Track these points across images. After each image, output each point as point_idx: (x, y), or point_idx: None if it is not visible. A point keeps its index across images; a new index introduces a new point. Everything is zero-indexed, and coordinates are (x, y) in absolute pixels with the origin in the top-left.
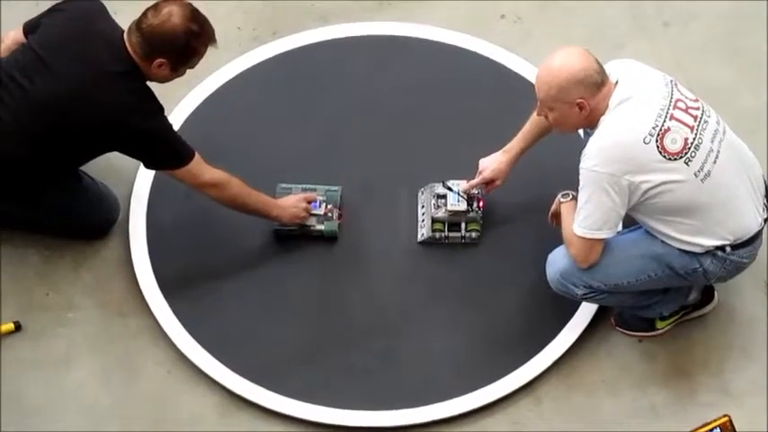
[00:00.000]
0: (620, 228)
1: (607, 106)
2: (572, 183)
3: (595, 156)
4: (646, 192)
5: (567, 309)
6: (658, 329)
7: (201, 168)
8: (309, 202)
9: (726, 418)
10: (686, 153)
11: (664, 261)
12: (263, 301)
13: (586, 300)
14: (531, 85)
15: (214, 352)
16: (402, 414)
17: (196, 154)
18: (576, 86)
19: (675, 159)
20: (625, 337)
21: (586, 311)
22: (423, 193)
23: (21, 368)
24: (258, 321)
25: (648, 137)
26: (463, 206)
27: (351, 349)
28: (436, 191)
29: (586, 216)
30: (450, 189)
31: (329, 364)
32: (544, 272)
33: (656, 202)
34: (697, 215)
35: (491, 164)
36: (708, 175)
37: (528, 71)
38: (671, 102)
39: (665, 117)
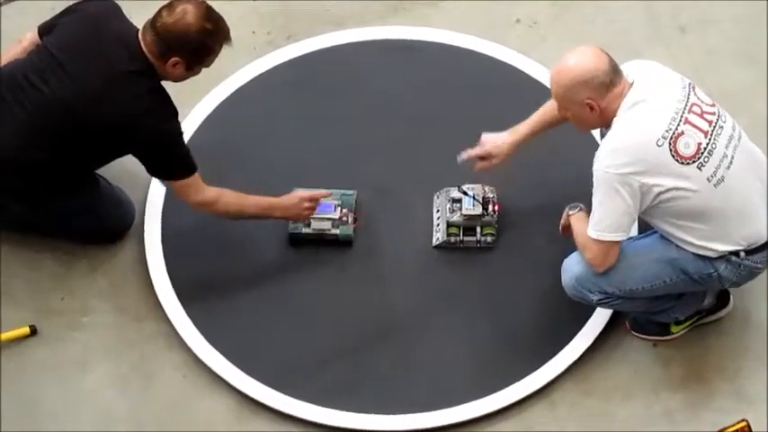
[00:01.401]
0: (635, 232)
1: (620, 107)
2: (587, 186)
3: (607, 157)
4: (658, 195)
5: (582, 313)
6: (673, 333)
7: (198, 187)
8: (314, 200)
9: (744, 423)
10: (699, 158)
11: (678, 266)
12: (278, 306)
13: (601, 305)
14: (547, 89)
15: (229, 356)
16: (417, 418)
17: (197, 171)
18: (582, 87)
19: (688, 164)
20: (640, 342)
21: (601, 316)
22: (438, 197)
23: (36, 372)
24: (273, 325)
25: (662, 140)
26: (478, 210)
27: (365, 353)
28: (451, 195)
29: (601, 219)
30: (465, 193)
31: (344, 367)
32: (559, 277)
33: (669, 206)
34: (710, 220)
35: (494, 140)
36: (721, 180)
37: (543, 75)
38: (686, 106)
39: (680, 121)
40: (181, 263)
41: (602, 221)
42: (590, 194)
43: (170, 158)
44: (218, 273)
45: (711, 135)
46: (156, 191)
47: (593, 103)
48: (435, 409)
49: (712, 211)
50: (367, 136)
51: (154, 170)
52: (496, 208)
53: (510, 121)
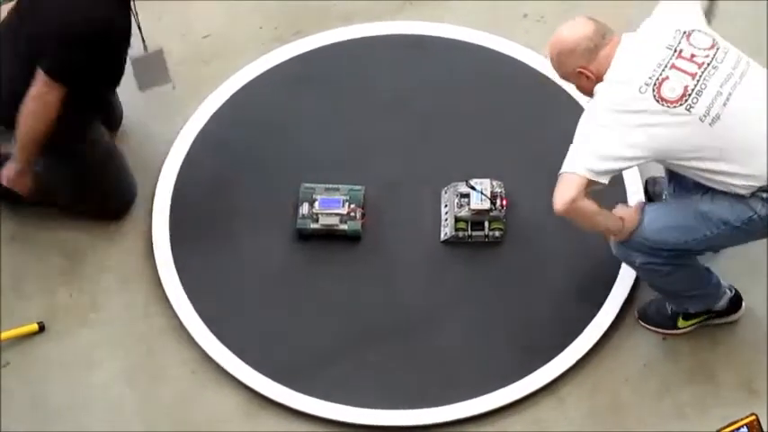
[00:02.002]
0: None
1: (610, 65)
2: None
3: (592, 102)
4: (647, 143)
5: (591, 307)
6: (680, 328)
7: (61, 95)
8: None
9: (753, 417)
10: (686, 100)
11: (715, 217)
12: (286, 301)
13: (643, 269)
14: (555, 84)
15: (238, 352)
16: (424, 413)
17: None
18: (569, 58)
19: (675, 107)
20: (649, 336)
21: (610, 309)
22: (446, 192)
23: (45, 369)
24: (282, 321)
25: (644, 86)
26: (486, 205)
27: (373, 348)
28: (459, 190)
29: (571, 153)
30: (473, 188)
31: (352, 363)
32: (567, 271)
33: (672, 151)
34: (718, 157)
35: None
36: (717, 118)
37: (551, 71)
38: (674, 53)
39: (665, 67)
40: (189, 258)
41: (572, 155)
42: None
43: (72, 52)
44: (226, 268)
45: (700, 77)
46: (164, 187)
47: (584, 71)
48: (442, 405)
49: (716, 149)
50: (375, 131)
51: (50, 58)
52: (504, 203)
53: (516, 116)
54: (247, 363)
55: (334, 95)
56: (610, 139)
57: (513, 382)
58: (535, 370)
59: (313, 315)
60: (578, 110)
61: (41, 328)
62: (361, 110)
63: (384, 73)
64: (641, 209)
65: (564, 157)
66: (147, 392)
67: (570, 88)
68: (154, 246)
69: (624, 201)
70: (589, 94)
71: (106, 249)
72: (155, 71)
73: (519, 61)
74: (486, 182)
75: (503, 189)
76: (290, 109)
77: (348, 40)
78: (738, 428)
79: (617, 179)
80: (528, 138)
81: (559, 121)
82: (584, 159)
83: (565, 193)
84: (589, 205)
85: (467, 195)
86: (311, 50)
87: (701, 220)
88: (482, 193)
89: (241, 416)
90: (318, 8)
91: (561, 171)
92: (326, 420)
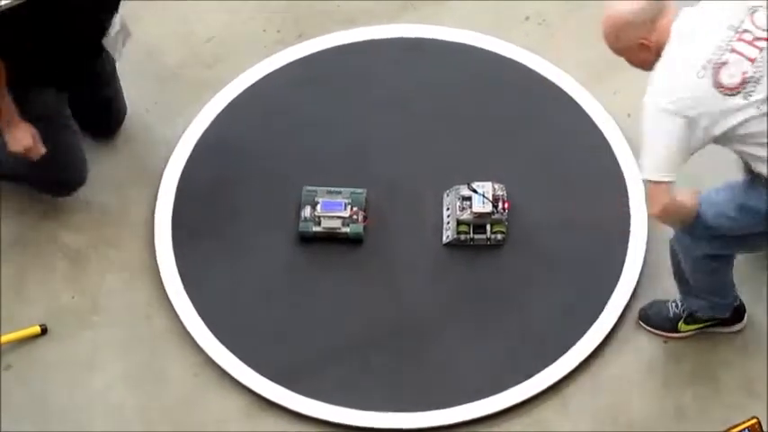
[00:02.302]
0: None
1: (669, 36)
2: (597, 183)
3: (650, 91)
4: (708, 128)
5: (593, 309)
6: (681, 332)
7: None
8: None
9: (755, 420)
10: (744, 87)
11: (753, 209)
12: (288, 304)
13: (699, 262)
14: (556, 87)
15: (240, 354)
16: (428, 416)
17: None
18: (629, 29)
19: (733, 95)
20: (651, 339)
21: (612, 311)
22: (448, 195)
23: (47, 371)
24: (284, 323)
25: (702, 71)
26: (488, 208)
27: (376, 351)
28: (461, 193)
29: (647, 157)
30: (475, 191)
31: (355, 366)
32: (569, 273)
33: (724, 134)
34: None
35: None
36: None
37: (553, 73)
38: (736, 33)
39: (725, 50)
40: (191, 262)
41: (649, 160)
42: (599, 191)
43: None
44: (229, 271)
45: (759, 62)
46: (167, 190)
47: (645, 41)
48: (445, 407)
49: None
50: (377, 134)
51: None
52: (506, 205)
53: (518, 119)
54: (249, 365)
55: (337, 98)
56: (671, 139)
57: (517, 383)
58: (538, 372)
59: (315, 318)
60: (579, 112)
61: (44, 331)
62: (364, 112)
63: (386, 76)
64: (696, 193)
65: (564, 161)
66: (149, 395)
67: (570, 90)
68: (156, 248)
69: (625, 202)
70: (649, 67)
71: (108, 251)
72: (119, 37)
73: (521, 64)
74: (488, 185)
75: (504, 192)
76: (292, 112)
77: (351, 43)
78: (741, 431)
79: (618, 180)
80: (529, 141)
81: (561, 123)
82: (656, 164)
83: (657, 201)
84: (679, 202)
85: (469, 198)
86: (314, 53)
87: (741, 212)
88: (484, 195)
89: (243, 418)
90: (321, 11)
91: (642, 177)
92: (328, 423)
